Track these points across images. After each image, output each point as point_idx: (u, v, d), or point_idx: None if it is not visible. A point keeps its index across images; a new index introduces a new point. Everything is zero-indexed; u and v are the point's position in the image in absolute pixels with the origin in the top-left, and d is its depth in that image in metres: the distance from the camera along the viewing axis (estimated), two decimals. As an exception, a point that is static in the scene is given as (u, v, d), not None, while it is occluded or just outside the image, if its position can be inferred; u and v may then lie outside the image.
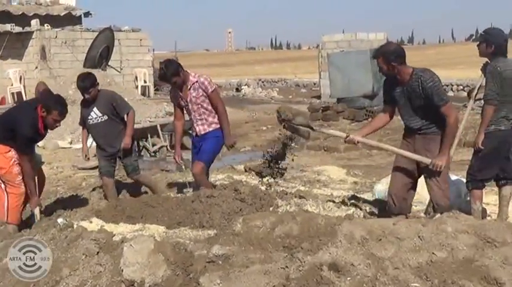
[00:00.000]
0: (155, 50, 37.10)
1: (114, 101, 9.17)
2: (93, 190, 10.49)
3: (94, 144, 9.68)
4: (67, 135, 18.08)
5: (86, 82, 9.02)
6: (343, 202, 8.50)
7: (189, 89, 8.46)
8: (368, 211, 8.11)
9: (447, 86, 31.67)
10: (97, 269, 5.18)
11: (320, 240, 4.90)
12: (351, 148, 15.96)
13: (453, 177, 8.11)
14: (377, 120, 7.43)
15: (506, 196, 7.76)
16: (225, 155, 15.76)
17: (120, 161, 9.35)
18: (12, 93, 27.59)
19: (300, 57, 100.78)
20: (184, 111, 8.84)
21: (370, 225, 5.08)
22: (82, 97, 9.23)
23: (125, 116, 9.22)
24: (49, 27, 29.68)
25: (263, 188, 8.87)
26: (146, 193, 9.80)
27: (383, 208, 7.99)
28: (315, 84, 41.30)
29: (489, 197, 8.64)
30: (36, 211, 7.96)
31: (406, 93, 6.78)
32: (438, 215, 5.96)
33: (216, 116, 8.55)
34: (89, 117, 9.10)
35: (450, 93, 30.46)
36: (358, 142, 7.23)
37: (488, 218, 7.77)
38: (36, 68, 28.58)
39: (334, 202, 8.47)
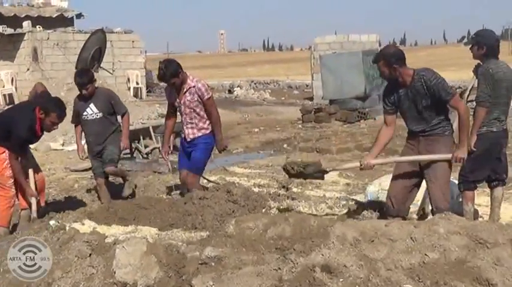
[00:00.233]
0: (147, 51, 37.16)
1: (113, 99, 9.24)
2: (86, 191, 10.48)
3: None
4: (59, 137, 18.06)
5: (84, 78, 9.08)
6: (335, 204, 8.51)
7: (185, 92, 8.41)
8: (360, 212, 8.12)
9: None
10: (89, 271, 5.16)
11: (312, 241, 4.90)
12: (343, 150, 16.00)
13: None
14: (382, 136, 7.20)
15: (497, 197, 7.78)
16: (218, 157, 15.79)
17: (100, 157, 9.34)
18: (4, 95, 27.59)
19: (292, 59, 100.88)
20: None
21: (363, 226, 5.08)
22: (76, 95, 9.24)
23: (119, 117, 9.25)
24: (41, 28, 29.67)
25: (256, 189, 8.87)
26: (137, 194, 9.78)
27: (376, 209, 8.01)
28: (307, 85, 41.34)
29: (481, 199, 8.67)
30: (33, 201, 7.97)
31: (410, 96, 6.73)
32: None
33: (207, 121, 8.51)
34: (84, 113, 9.12)
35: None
36: (374, 165, 7.16)
37: (480, 219, 7.78)
38: (28, 69, 28.57)
39: (326, 203, 8.48)
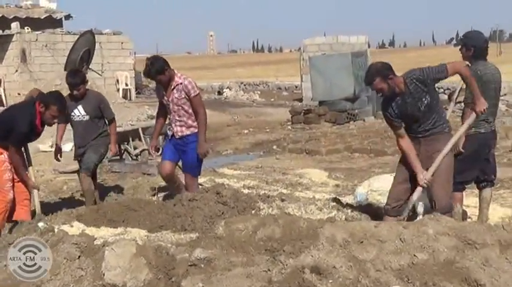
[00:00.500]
0: (137, 53, 37.09)
1: (103, 103, 9.24)
2: (74, 193, 10.46)
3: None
4: (47, 139, 17.99)
5: (77, 78, 9.08)
6: (324, 205, 8.52)
7: (173, 89, 8.41)
8: (350, 213, 8.13)
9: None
10: (78, 273, 5.15)
11: (302, 243, 4.91)
12: (333, 151, 16.04)
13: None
14: (409, 149, 6.88)
15: (486, 198, 7.81)
16: (207, 159, 15.78)
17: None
18: (-8, 96, 27.48)
19: (281, 60, 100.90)
20: None
21: (352, 228, 5.09)
22: (67, 94, 9.21)
23: (106, 121, 9.25)
24: (29, 30, 29.55)
25: (245, 191, 8.87)
26: (126, 196, 9.77)
27: (365, 211, 8.02)
28: (296, 87, 41.33)
29: (469, 200, 8.70)
30: (35, 193, 8.01)
31: (409, 100, 6.68)
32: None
33: (196, 123, 8.51)
34: (72, 113, 9.11)
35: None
36: (431, 176, 6.79)
37: (469, 220, 7.81)
38: (17, 71, 28.46)
39: (316, 204, 8.48)
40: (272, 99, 37.61)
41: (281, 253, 4.84)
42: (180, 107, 8.43)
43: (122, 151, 14.16)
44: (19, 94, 26.14)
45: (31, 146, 9.61)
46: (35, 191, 8.03)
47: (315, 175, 12.45)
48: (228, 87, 44.01)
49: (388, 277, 4.48)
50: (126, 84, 31.97)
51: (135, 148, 14.27)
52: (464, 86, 7.39)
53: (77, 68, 22.06)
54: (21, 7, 34.00)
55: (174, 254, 5.27)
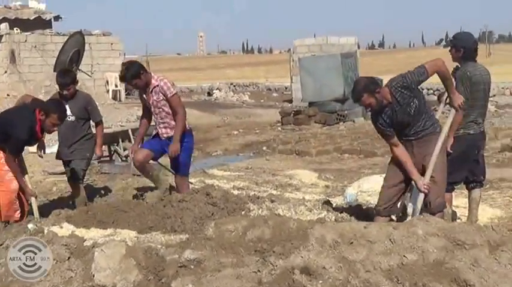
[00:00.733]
0: (126, 54, 36.97)
1: (90, 105, 9.18)
2: (64, 194, 10.43)
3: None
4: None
5: (67, 78, 9.03)
6: (314, 206, 8.52)
7: (151, 92, 8.45)
8: (339, 214, 8.14)
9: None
10: (68, 274, 5.14)
11: (292, 244, 4.91)
12: (323, 152, 16.05)
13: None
14: (405, 157, 6.88)
15: (475, 198, 7.83)
16: (197, 160, 15.78)
17: (68, 165, 9.28)
18: (-19, 98, 27.37)
19: (271, 61, 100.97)
20: None
21: (342, 228, 5.10)
22: (57, 92, 9.19)
23: (91, 124, 9.23)
24: (18, 31, 29.48)
25: (235, 192, 8.87)
26: (116, 197, 9.75)
27: (355, 212, 8.03)
28: (286, 88, 41.44)
29: (459, 200, 8.72)
30: (32, 200, 7.99)
31: (397, 109, 6.71)
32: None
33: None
34: None
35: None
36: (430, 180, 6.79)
37: (458, 220, 7.82)
38: (6, 72, 28.38)
39: (305, 205, 8.48)
40: (262, 101, 37.65)
41: (271, 254, 4.84)
42: (161, 109, 8.47)
43: (112, 152, 14.14)
44: (8, 95, 26.10)
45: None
46: (33, 199, 8.01)
47: (304, 176, 12.45)
48: (217, 89, 44.04)
49: (378, 277, 4.49)
50: (116, 86, 31.90)
51: (124, 149, 14.23)
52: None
53: (67, 68, 22.02)
54: (10, 8, 33.95)
55: (163, 255, 5.26)
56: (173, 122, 8.47)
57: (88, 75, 29.79)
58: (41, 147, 8.77)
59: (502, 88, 37.35)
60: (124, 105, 28.97)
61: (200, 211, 7.49)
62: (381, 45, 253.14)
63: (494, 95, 30.67)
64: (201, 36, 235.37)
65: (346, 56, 25.72)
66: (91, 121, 9.31)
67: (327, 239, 4.91)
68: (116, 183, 11.60)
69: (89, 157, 9.28)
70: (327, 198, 9.45)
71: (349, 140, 17.62)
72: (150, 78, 8.47)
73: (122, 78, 8.56)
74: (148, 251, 5.39)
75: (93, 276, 4.99)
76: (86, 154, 9.16)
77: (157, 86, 8.41)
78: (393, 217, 7.18)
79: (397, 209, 7.20)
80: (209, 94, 42.17)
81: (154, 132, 8.80)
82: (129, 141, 14.49)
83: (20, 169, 7.92)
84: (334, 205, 8.77)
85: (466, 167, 7.56)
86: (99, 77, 31.58)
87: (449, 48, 7.67)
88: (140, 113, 9.31)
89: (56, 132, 9.00)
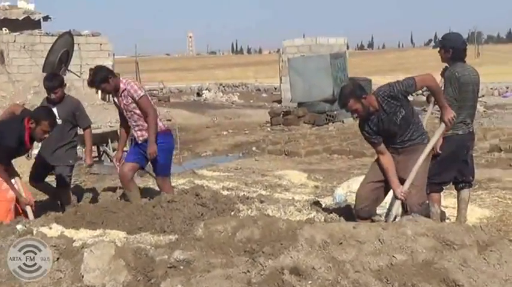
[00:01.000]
0: (116, 54, 36.86)
1: (78, 111, 9.11)
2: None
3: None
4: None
5: (54, 81, 8.98)
6: (304, 206, 8.52)
7: (121, 95, 8.43)
8: (329, 214, 8.14)
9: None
10: (57, 275, 5.12)
11: (281, 244, 4.91)
12: (312, 152, 16.07)
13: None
14: (389, 165, 6.93)
15: (464, 199, 7.85)
16: (186, 160, 15.78)
17: (53, 170, 9.26)
18: (-30, 99, 27.26)
19: (260, 62, 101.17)
20: None
21: (331, 229, 5.10)
22: (46, 97, 9.15)
23: (77, 131, 9.19)
24: (7, 31, 29.39)
25: (224, 192, 8.86)
26: (105, 198, 9.73)
27: (344, 212, 8.03)
28: (275, 88, 41.52)
29: (448, 201, 8.75)
30: (28, 209, 7.95)
31: (384, 117, 6.75)
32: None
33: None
34: None
35: (409, 98, 30.75)
36: (408, 190, 6.82)
37: (447, 221, 7.85)
38: (-6, 72, 28.28)
39: (295, 206, 8.48)
40: (251, 101, 37.70)
41: (260, 254, 4.84)
42: (132, 112, 8.44)
43: (101, 153, 14.11)
44: (-4, 96, 26.00)
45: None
46: (28, 208, 7.98)
47: (294, 176, 12.47)
48: (207, 89, 44.11)
49: (367, 277, 4.50)
50: (105, 86, 31.79)
51: (114, 150, 14.21)
52: (442, 87, 7.44)
53: (52, 70, 21.92)
54: (-2, 8, 33.81)
55: (153, 255, 5.26)
56: (146, 124, 8.44)
57: (77, 75, 29.66)
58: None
59: (491, 89, 37.58)
60: (113, 105, 28.89)
61: (189, 212, 7.48)
62: (370, 45, 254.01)
63: (483, 96, 30.82)
64: (190, 37, 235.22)
65: (336, 56, 25.79)
66: (78, 128, 9.27)
67: (316, 239, 4.91)
68: (105, 184, 11.58)
69: (72, 164, 9.27)
70: (316, 198, 9.47)
71: (338, 141, 17.66)
72: (118, 83, 8.43)
73: (90, 83, 8.48)
74: (138, 251, 5.38)
75: (83, 277, 4.98)
76: (69, 161, 9.14)
77: (125, 89, 8.37)
78: (375, 219, 7.19)
79: (375, 211, 7.24)
80: (198, 95, 42.21)
81: (133, 137, 8.78)
82: (118, 141, 14.49)
83: (9, 179, 7.88)
84: (323, 205, 8.78)
85: (455, 168, 7.58)
86: (88, 78, 31.46)
87: (438, 49, 7.69)
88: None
89: None
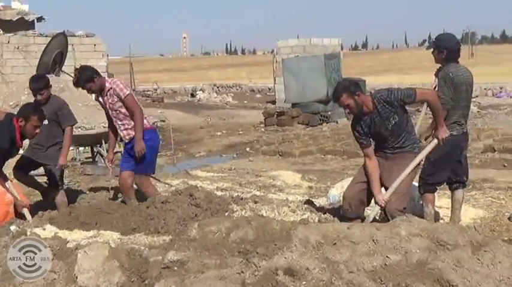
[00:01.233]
0: (110, 55, 36.84)
1: (60, 110, 9.02)
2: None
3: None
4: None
5: (40, 82, 8.94)
6: (298, 207, 8.52)
7: (106, 95, 8.44)
8: (323, 215, 8.14)
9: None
10: (51, 276, 5.12)
11: (275, 245, 4.91)
12: (306, 153, 16.07)
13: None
14: (373, 170, 7.01)
15: (458, 199, 7.86)
16: (180, 161, 15.77)
17: (40, 167, 9.25)
18: (-36, 99, 27.20)
19: (255, 63, 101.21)
20: None
21: (325, 229, 5.10)
22: (34, 99, 9.12)
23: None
24: (1, 32, 29.36)
25: (218, 193, 8.86)
26: (98, 199, 9.71)
27: (338, 213, 8.03)
28: (269, 89, 41.53)
29: (442, 201, 8.77)
30: (25, 211, 7.94)
31: (377, 120, 6.81)
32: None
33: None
34: None
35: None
36: (389, 197, 6.87)
37: (441, 221, 7.87)
38: (-12, 73, 28.23)
39: (289, 206, 8.48)
40: (245, 102, 37.72)
41: (254, 255, 4.84)
42: (117, 111, 8.44)
43: (95, 153, 14.09)
44: (-10, 97, 25.93)
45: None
46: (25, 210, 7.96)
47: (288, 176, 12.47)
48: (201, 90, 44.12)
49: (361, 278, 4.50)
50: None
51: (107, 151, 14.20)
52: (437, 88, 7.45)
53: (46, 71, 21.90)
54: (-8, 9, 33.76)
55: (147, 256, 5.25)
56: (132, 123, 8.41)
57: (71, 76, 29.48)
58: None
59: (485, 89, 37.64)
60: (107, 106, 28.88)
61: (183, 212, 7.48)
62: (364, 46, 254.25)
63: (476, 96, 30.88)
64: (184, 38, 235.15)
65: (330, 57, 25.81)
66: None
67: (310, 240, 4.91)
68: (99, 184, 11.56)
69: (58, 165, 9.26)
70: (310, 199, 9.45)
71: (332, 141, 17.67)
72: (104, 82, 8.47)
73: (76, 83, 8.53)
74: (132, 252, 5.38)
75: (76, 278, 4.97)
76: (57, 161, 9.12)
77: (111, 88, 8.38)
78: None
79: (363, 212, 7.26)
80: (192, 95, 42.20)
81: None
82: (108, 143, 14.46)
83: (5, 182, 7.89)
84: (317, 205, 8.78)
85: (449, 168, 7.59)
86: (82, 78, 31.42)
87: (431, 50, 7.69)
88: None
89: None
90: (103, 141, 13.97)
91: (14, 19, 33.65)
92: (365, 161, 7.10)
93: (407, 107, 6.96)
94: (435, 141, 6.95)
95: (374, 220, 6.96)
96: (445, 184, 7.90)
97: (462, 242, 4.88)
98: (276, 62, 32.02)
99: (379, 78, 51.81)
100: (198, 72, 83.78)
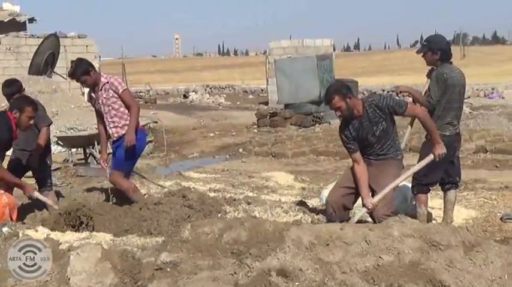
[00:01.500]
0: (102, 56, 36.79)
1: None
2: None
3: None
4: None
5: (13, 87, 8.92)
6: (291, 208, 8.53)
7: (100, 90, 8.44)
8: (315, 216, 8.15)
9: (393, 91, 32.10)
10: (43, 278, 5.11)
11: (268, 246, 4.91)
12: (299, 154, 16.08)
13: (399, 182, 8.20)
14: (361, 175, 7.01)
15: (450, 200, 7.88)
16: (173, 162, 15.76)
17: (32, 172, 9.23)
18: (-45, 101, 27.14)
19: (247, 64, 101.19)
20: None
21: (318, 230, 5.10)
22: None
23: (50, 133, 9.13)
24: (-8, 33, 29.30)
25: (211, 194, 8.85)
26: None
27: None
28: (262, 90, 41.55)
29: (434, 202, 8.78)
30: (36, 194, 8.18)
31: (365, 124, 6.84)
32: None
33: (128, 117, 8.43)
34: None
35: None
36: (377, 202, 6.87)
37: (434, 222, 7.88)
38: (-20, 74, 28.16)
39: (282, 207, 8.49)
40: (238, 103, 37.70)
41: (247, 256, 4.84)
42: (110, 107, 8.43)
43: (87, 155, 14.08)
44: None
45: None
46: (36, 193, 8.21)
47: (281, 177, 12.47)
48: (193, 91, 44.11)
49: (354, 279, 4.50)
50: (91, 88, 31.72)
51: (100, 152, 14.19)
52: (427, 87, 7.48)
53: (38, 72, 21.85)
54: (-16, 10, 33.69)
55: (140, 258, 5.25)
56: (122, 121, 8.42)
57: (63, 77, 29.59)
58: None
59: (477, 90, 37.70)
60: (99, 108, 28.84)
61: (176, 214, 7.48)
62: (356, 47, 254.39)
63: (468, 97, 30.93)
64: (176, 39, 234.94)
65: (322, 58, 25.85)
66: (51, 132, 9.23)
67: (303, 241, 4.91)
68: (92, 186, 11.54)
69: (49, 164, 9.28)
70: (303, 200, 9.46)
71: (325, 142, 17.69)
72: (99, 77, 8.49)
73: (72, 74, 8.54)
74: (124, 254, 5.37)
75: (69, 279, 4.96)
76: (47, 161, 9.11)
77: (108, 82, 8.41)
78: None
79: (347, 214, 7.28)
80: (185, 96, 42.18)
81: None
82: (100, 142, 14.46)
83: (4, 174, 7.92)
84: (310, 206, 8.79)
85: (442, 169, 7.60)
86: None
87: (422, 53, 7.65)
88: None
89: None
90: (95, 143, 13.99)
91: (6, 20, 33.61)
92: (353, 166, 7.11)
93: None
94: (431, 156, 6.98)
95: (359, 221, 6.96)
96: (437, 184, 7.92)
97: (454, 242, 4.89)
98: (269, 63, 32.03)
99: (371, 79, 51.92)
100: (190, 74, 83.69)
